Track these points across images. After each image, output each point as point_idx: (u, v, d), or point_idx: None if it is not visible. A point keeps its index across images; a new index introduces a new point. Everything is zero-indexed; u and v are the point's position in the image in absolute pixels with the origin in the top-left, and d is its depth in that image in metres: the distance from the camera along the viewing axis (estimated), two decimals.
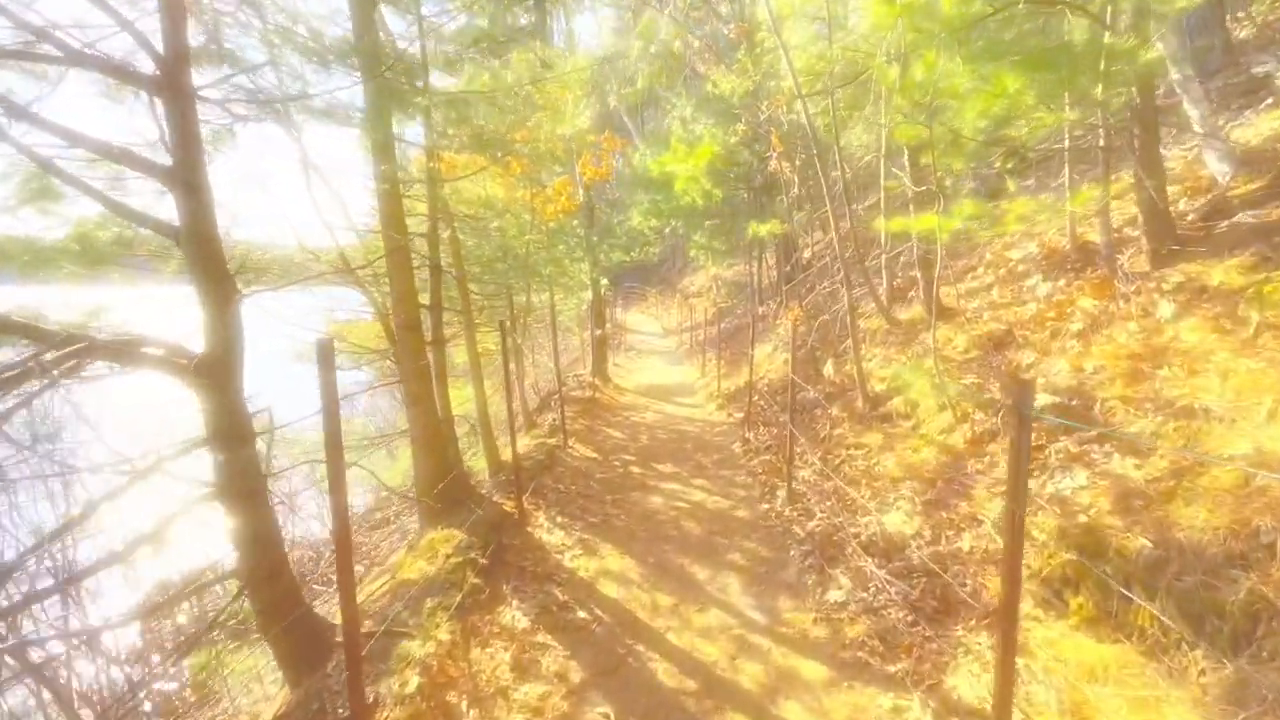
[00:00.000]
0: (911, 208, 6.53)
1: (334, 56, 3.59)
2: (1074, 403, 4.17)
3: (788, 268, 11.91)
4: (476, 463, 8.53)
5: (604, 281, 13.22)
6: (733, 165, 11.89)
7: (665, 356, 17.92)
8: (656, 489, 6.27)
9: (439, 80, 6.53)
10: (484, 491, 5.88)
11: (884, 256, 8.61)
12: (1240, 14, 10.18)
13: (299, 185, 5.89)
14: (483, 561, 4.13)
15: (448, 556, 4.17)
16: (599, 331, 12.67)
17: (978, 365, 5.43)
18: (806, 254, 13.54)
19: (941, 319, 6.59)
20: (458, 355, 9.54)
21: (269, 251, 6.02)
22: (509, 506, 5.35)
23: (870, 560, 3.92)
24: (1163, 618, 2.58)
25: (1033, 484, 3.85)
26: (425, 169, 5.42)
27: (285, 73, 4.11)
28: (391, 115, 4.68)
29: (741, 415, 8.52)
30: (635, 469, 7.02)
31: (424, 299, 5.96)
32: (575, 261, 11.95)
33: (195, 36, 3.94)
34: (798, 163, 9.47)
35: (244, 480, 3.04)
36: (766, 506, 5.44)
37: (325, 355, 2.02)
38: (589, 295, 12.73)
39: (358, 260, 6.64)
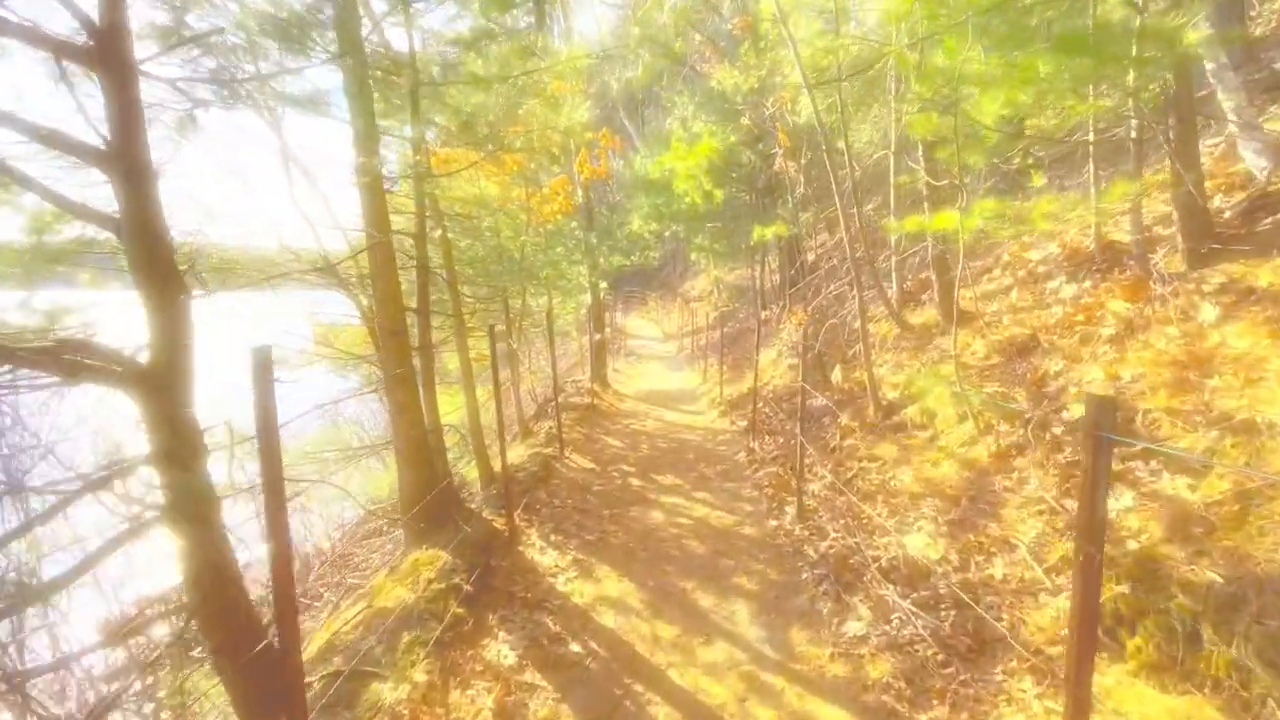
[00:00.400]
0: (926, 206, 6.21)
1: (305, 31, 3.26)
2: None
3: (792, 271, 11.58)
4: (469, 472, 8.17)
5: (603, 285, 12.90)
6: (735, 165, 11.59)
7: (666, 361, 17.58)
8: (657, 503, 5.92)
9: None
10: (474, 506, 5.53)
11: (894, 258, 8.29)
12: (1253, 13, 9.92)
13: (280, 182, 5.58)
14: (467, 588, 3.78)
15: (430, 582, 3.82)
16: (598, 336, 12.34)
17: (1000, 372, 5.09)
18: (810, 256, 13.22)
19: (958, 323, 6.26)
20: (451, 361, 9.21)
21: (248, 251, 5.69)
22: (499, 523, 5.00)
23: (892, 588, 3.57)
24: (1245, 665, 2.23)
25: (1070, 503, 3.51)
26: (412, 163, 5.09)
27: (257, 53, 3.78)
28: (373, 101, 4.36)
29: (745, 423, 8.18)
30: (635, 481, 6.67)
31: (412, 302, 5.65)
32: (573, 264, 11.63)
33: (157, 11, 3.64)
34: (803, 162, 9.15)
35: (193, 504, 2.69)
36: (775, 523, 5.09)
37: (262, 366, 1.69)
38: (588, 299, 12.41)
39: (344, 262, 6.31)
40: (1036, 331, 5.14)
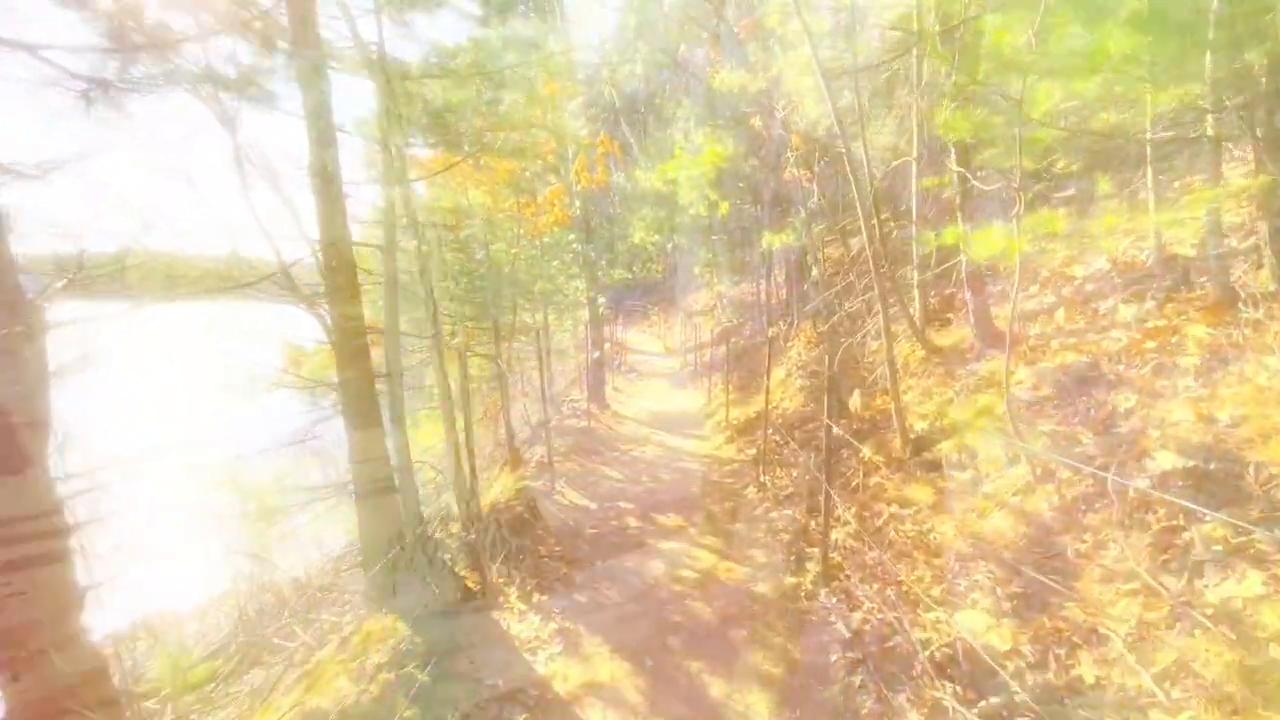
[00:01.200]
0: (959, 215, 5.57)
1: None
2: (1212, 466, 3.15)
3: (805, 286, 10.93)
4: (454, 503, 7.49)
5: (601, 300, 12.27)
6: (740, 175, 11.00)
7: (668, 378, 16.88)
8: (658, 550, 5.22)
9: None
10: (448, 556, 4.84)
11: (915, 274, 7.63)
12: None
13: (235, 185, 4.95)
14: (423, 679, 3.08)
15: (379, 669, 3.13)
16: (596, 354, 11.67)
17: (1054, 407, 4.40)
18: (817, 271, 12.55)
19: (995, 347, 5.59)
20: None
21: (194, 261, 5.06)
22: (472, 581, 4.31)
23: (949, 687, 2.87)
24: None
25: (1173, 582, 2.82)
26: (379, 163, 4.47)
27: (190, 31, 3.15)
28: (329, 92, 3.74)
29: (754, 451, 7.48)
30: (633, 521, 5.97)
31: (380, 322, 5.02)
32: (571, 278, 11.02)
33: None
34: (816, 170, 8.53)
35: (23, 637, 2.01)
36: (794, 580, 4.39)
37: None
38: (585, 314, 11.77)
39: (310, 275, 5.68)
40: (1097, 359, 4.46)
